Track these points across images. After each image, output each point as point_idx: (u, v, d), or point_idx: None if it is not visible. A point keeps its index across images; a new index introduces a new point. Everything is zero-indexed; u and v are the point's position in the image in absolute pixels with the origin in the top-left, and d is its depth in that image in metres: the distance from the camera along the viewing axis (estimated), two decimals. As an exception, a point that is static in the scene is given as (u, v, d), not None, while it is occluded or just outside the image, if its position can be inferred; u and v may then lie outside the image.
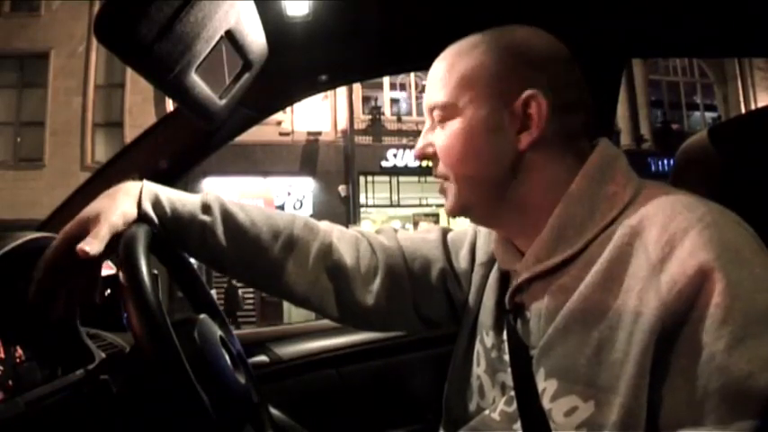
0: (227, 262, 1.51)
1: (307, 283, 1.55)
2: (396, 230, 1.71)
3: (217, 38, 1.60)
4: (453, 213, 1.39)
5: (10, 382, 1.29)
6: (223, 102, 1.83)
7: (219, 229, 1.47)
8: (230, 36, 1.66)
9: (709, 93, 25.01)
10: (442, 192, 1.40)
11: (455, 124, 1.29)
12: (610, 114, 2.29)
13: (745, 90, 23.35)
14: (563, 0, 1.55)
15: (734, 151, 1.54)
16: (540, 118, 1.23)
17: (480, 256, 1.57)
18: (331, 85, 2.26)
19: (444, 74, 1.31)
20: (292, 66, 2.12)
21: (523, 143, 1.25)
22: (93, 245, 1.28)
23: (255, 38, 1.79)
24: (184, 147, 2.08)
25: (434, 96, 1.33)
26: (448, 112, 1.30)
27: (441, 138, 1.32)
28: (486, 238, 1.58)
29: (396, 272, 1.59)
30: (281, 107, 2.29)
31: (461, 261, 1.61)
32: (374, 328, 1.78)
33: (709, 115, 24.31)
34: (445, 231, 1.69)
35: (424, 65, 1.70)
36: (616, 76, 2.25)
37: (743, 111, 20.69)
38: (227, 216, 1.49)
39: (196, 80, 1.64)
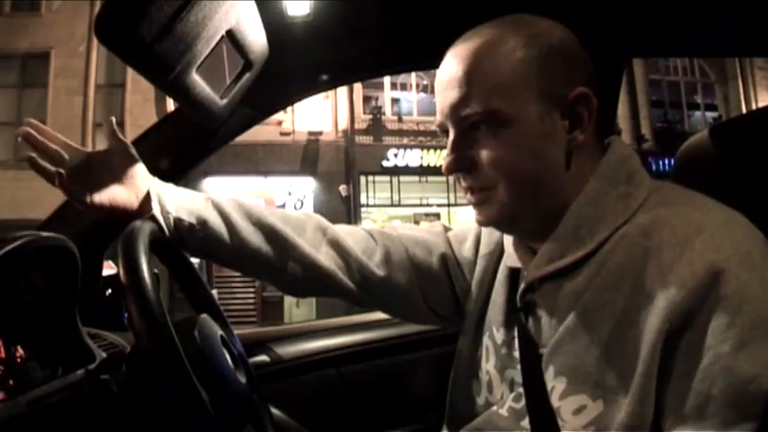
0: (239, 249, 1.54)
1: (312, 248, 1.57)
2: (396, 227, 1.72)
3: (218, 38, 1.61)
4: (497, 223, 1.33)
5: (11, 382, 1.29)
6: (224, 101, 1.83)
7: (224, 224, 1.51)
8: (231, 36, 1.66)
9: (710, 92, 24.99)
10: (480, 203, 1.29)
11: (507, 132, 1.20)
12: (611, 114, 2.29)
13: (745, 89, 23.32)
14: (564, 1, 1.54)
15: (734, 151, 1.54)
16: (591, 116, 1.21)
17: (482, 248, 1.57)
18: (332, 84, 2.26)
19: (477, 76, 1.21)
20: (293, 65, 2.12)
21: (575, 144, 1.22)
22: None
23: (256, 38, 1.80)
24: (185, 146, 2.09)
25: (468, 105, 1.21)
26: (493, 119, 1.20)
27: (488, 147, 1.21)
28: (489, 230, 1.57)
29: (396, 257, 1.60)
30: (282, 107, 2.29)
31: (465, 252, 1.61)
32: (386, 309, 1.75)
33: (710, 115, 24.26)
34: (447, 228, 1.70)
35: (424, 64, 1.70)
36: (617, 76, 2.26)
37: (744, 110, 20.68)
38: (234, 207, 1.54)
39: (197, 80, 1.64)
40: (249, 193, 19.37)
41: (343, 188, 21.00)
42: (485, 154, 1.22)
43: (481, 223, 1.33)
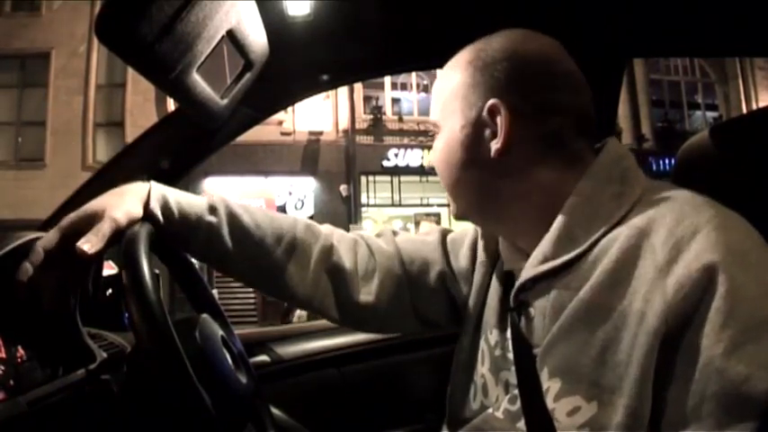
0: (231, 263, 1.52)
1: (308, 284, 1.56)
2: (395, 233, 1.72)
3: (218, 38, 1.61)
4: (456, 218, 1.44)
5: (11, 382, 1.29)
6: (224, 101, 1.84)
7: (225, 231, 1.47)
8: (231, 36, 1.66)
9: (711, 92, 25.01)
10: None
11: (439, 140, 1.38)
12: (611, 114, 2.29)
13: (746, 89, 23.36)
14: (564, 0, 1.54)
15: (735, 151, 1.54)
16: (505, 125, 1.25)
17: (481, 255, 1.57)
18: (332, 84, 2.26)
19: (433, 93, 1.42)
20: (293, 65, 2.12)
21: (492, 151, 1.27)
22: (92, 243, 1.28)
23: (256, 38, 1.80)
24: (185, 146, 2.08)
25: (430, 115, 1.42)
26: (436, 129, 1.40)
27: (432, 152, 1.43)
28: (487, 237, 1.58)
29: (393, 274, 1.61)
30: (283, 107, 2.29)
31: (461, 260, 1.62)
32: (373, 330, 1.79)
33: (711, 114, 24.28)
34: (445, 232, 1.70)
35: (425, 64, 1.70)
36: (617, 76, 2.25)
37: (744, 110, 20.70)
38: (233, 218, 1.49)
39: (197, 80, 1.64)
40: (250, 194, 19.40)
41: (343, 188, 21.02)
42: (429, 157, 1.46)
43: (453, 216, 1.47)
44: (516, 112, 1.25)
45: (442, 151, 1.37)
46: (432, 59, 1.33)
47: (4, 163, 19.29)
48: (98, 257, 1.32)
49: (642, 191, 1.21)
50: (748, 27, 2.02)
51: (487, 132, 1.28)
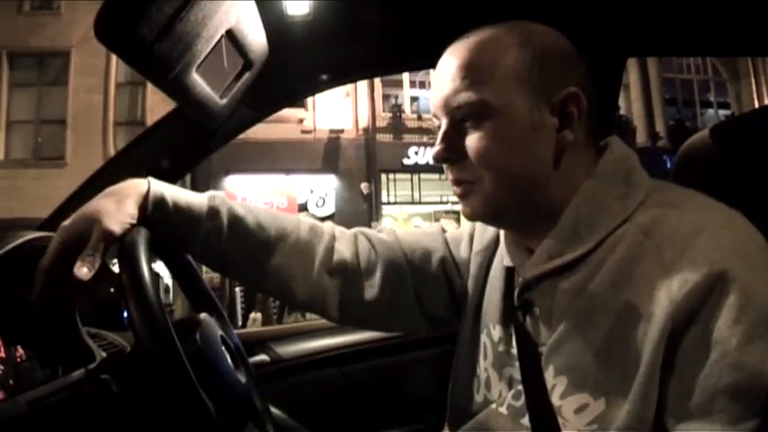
0: (232, 265, 1.51)
1: (311, 285, 1.55)
2: (395, 231, 1.71)
3: (217, 37, 1.61)
4: (482, 216, 1.34)
5: (11, 382, 1.29)
6: (224, 101, 1.84)
7: (225, 234, 1.46)
8: (231, 35, 1.67)
9: (723, 90, 25.03)
10: (465, 195, 1.30)
11: (493, 123, 1.22)
12: (610, 114, 2.29)
13: (758, 87, 23.36)
14: (564, 0, 1.54)
15: (735, 150, 1.54)
16: (581, 116, 1.23)
17: (476, 245, 1.58)
18: (332, 84, 2.26)
19: (471, 69, 1.23)
20: (293, 65, 2.13)
21: (564, 142, 1.23)
22: (89, 264, 1.27)
23: (256, 37, 1.81)
24: (185, 145, 2.10)
25: (460, 94, 1.24)
26: (482, 110, 1.22)
27: (475, 138, 1.23)
28: (481, 228, 1.58)
29: (396, 264, 1.59)
30: (282, 106, 2.30)
31: (462, 252, 1.62)
32: (377, 327, 1.78)
33: (723, 113, 24.19)
34: (444, 229, 1.70)
35: (425, 64, 1.69)
36: (617, 75, 2.25)
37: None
38: (235, 220, 1.48)
39: (197, 79, 1.65)
40: (271, 192, 19.50)
41: (364, 186, 21.03)
42: (472, 145, 1.24)
43: (467, 216, 1.33)
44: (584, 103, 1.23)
45: (499, 137, 1.22)
46: (432, 59, 1.31)
47: (25, 161, 19.36)
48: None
49: (647, 191, 1.22)
50: (748, 26, 2.02)
51: (555, 120, 1.22)
